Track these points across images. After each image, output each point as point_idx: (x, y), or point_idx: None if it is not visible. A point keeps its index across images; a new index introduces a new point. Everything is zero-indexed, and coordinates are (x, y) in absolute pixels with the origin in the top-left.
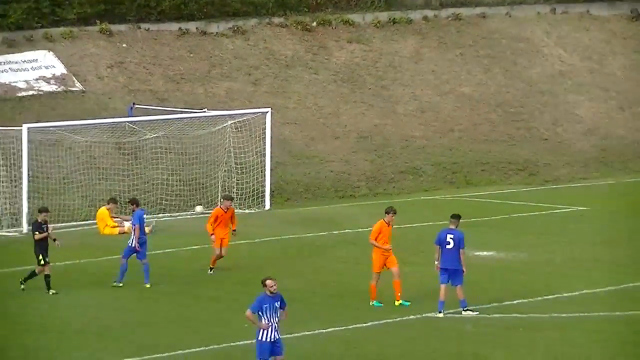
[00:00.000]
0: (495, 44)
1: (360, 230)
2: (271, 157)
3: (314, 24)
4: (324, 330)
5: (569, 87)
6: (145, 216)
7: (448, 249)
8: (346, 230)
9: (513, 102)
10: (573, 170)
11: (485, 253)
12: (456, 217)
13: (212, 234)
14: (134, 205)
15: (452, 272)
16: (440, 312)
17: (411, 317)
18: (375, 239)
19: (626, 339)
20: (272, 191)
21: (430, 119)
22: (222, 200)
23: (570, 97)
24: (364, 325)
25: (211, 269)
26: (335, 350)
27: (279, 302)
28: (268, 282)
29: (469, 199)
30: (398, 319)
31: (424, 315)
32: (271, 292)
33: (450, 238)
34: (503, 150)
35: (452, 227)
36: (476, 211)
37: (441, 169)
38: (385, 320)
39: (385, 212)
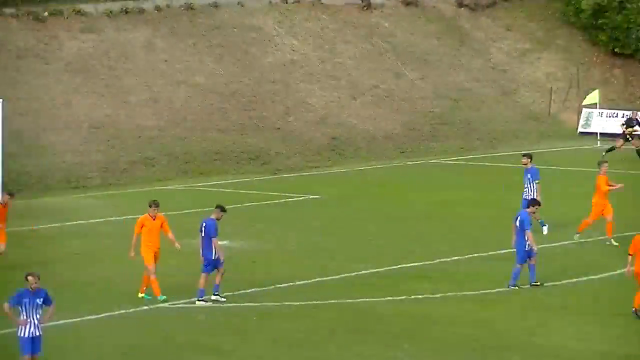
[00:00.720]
0: (227, 33)
1: (92, 221)
2: (2, 148)
3: (46, 14)
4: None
5: (300, 76)
6: None
7: (202, 237)
8: (79, 222)
9: (245, 92)
10: (305, 159)
11: (219, 242)
12: (217, 207)
13: None
14: None
15: (211, 261)
16: (200, 300)
17: (145, 307)
18: (138, 233)
19: (356, 326)
20: (3, 183)
21: (162, 109)
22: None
23: (302, 86)
24: (101, 315)
25: None
26: (71, 340)
27: (41, 299)
28: (29, 278)
29: (202, 189)
30: (132, 310)
31: (158, 306)
32: (32, 288)
33: (203, 227)
34: (236, 140)
35: (212, 216)
36: (209, 201)
37: (174, 158)
38: (120, 312)
39: (149, 206)
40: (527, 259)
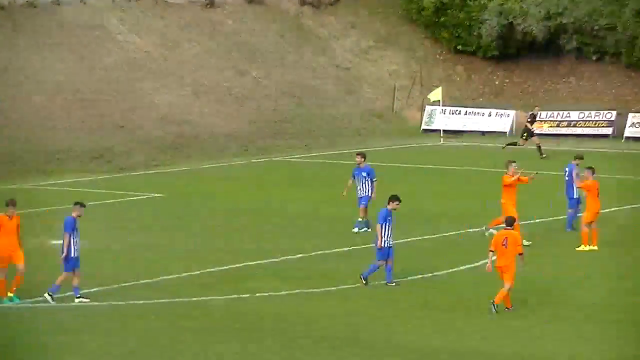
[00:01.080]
0: (70, 31)
1: None
2: None
3: None
4: None
5: (144, 74)
6: None
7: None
8: None
9: (88, 90)
10: (149, 157)
11: (60, 242)
12: (76, 203)
13: None
14: None
15: (70, 259)
16: (48, 294)
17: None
18: None
19: (202, 324)
20: None
21: (3, 108)
22: None
23: (145, 85)
24: None
25: None
26: None
27: None
28: None
29: (45, 188)
30: None
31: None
32: None
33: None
34: (79, 138)
35: (72, 213)
36: (52, 200)
37: (16, 158)
38: None
39: (6, 205)
40: (387, 258)
